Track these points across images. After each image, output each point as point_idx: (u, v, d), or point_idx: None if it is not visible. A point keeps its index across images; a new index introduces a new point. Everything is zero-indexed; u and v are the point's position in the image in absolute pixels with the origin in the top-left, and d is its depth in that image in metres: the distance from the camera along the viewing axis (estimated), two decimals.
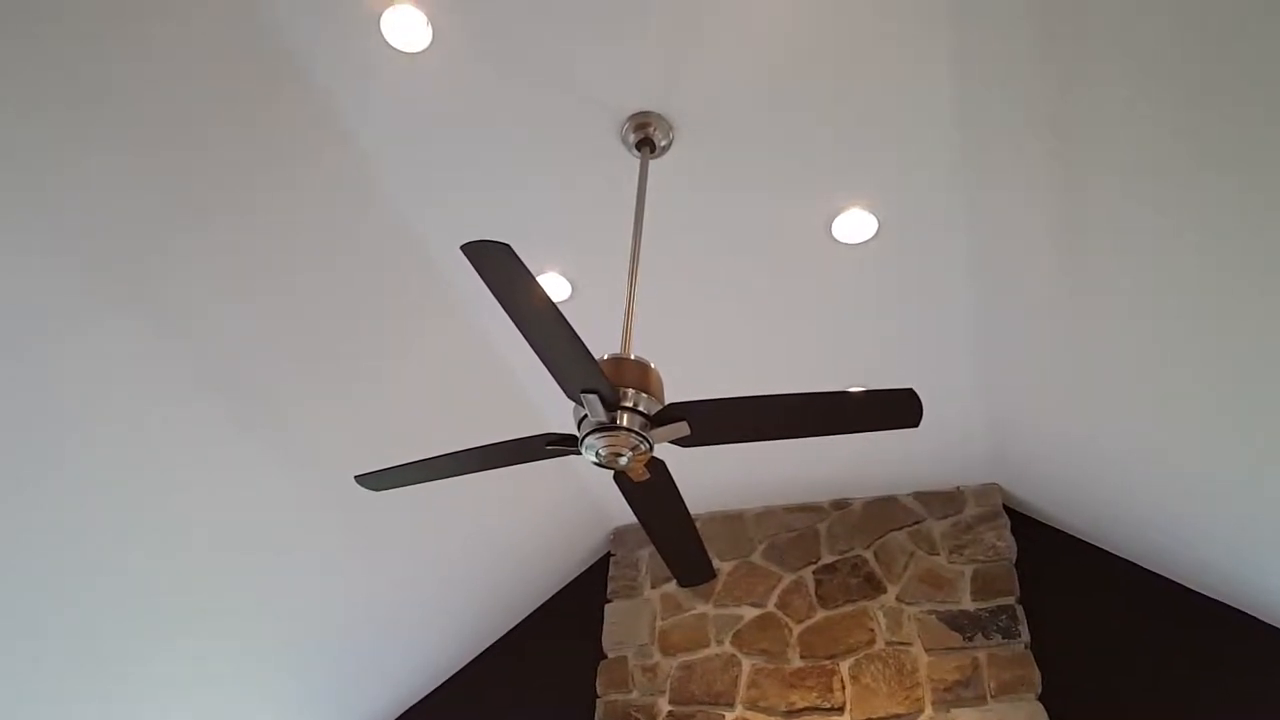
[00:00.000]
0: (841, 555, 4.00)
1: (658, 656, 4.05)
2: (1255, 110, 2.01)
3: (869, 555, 3.95)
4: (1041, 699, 3.42)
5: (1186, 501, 3.19)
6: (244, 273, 2.73)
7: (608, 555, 4.48)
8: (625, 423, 1.94)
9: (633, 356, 2.02)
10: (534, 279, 1.67)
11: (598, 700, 4.05)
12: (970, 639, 3.60)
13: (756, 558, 4.13)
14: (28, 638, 2.96)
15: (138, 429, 2.82)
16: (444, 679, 4.50)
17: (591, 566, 4.58)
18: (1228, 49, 1.95)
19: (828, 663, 3.75)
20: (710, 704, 3.84)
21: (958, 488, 3.97)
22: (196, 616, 3.35)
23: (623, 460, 1.98)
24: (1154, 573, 3.62)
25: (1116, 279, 2.63)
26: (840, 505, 4.13)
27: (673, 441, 2.02)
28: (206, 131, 2.43)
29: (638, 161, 2.54)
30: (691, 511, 2.36)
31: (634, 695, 4.00)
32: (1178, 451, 3.04)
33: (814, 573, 3.99)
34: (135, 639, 3.22)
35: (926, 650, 3.64)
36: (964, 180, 2.63)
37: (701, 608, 4.09)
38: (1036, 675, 3.46)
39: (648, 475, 2.12)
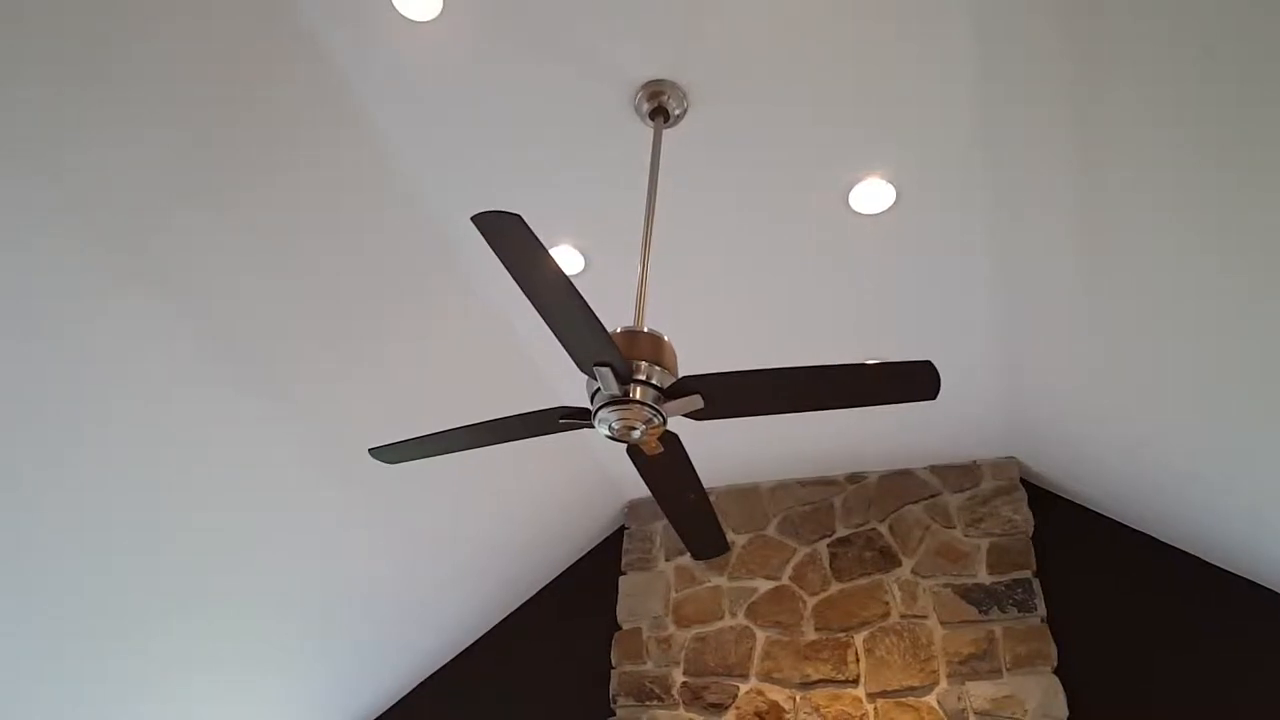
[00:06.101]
0: (856, 528, 3.99)
1: (672, 628, 4.06)
2: None
3: (884, 528, 3.94)
4: (1057, 672, 3.42)
5: (1205, 475, 3.16)
6: (259, 249, 2.72)
7: (622, 528, 4.50)
8: (638, 396, 1.92)
9: (646, 329, 2.00)
10: (545, 250, 1.64)
11: (613, 671, 4.07)
12: (986, 612, 3.59)
13: (771, 531, 4.13)
14: (40, 617, 2.99)
15: (154, 407, 2.83)
16: (460, 650, 4.54)
17: (606, 539, 4.59)
18: (1260, 27, 1.88)
19: (842, 635, 3.75)
20: (725, 675, 3.85)
21: (974, 461, 3.95)
22: (210, 597, 3.38)
23: (636, 434, 1.96)
24: (1171, 546, 3.59)
25: (1137, 252, 2.58)
26: (855, 479, 4.11)
27: (687, 415, 2.00)
28: (219, 107, 2.40)
29: (651, 131, 2.50)
30: (706, 485, 2.34)
31: (649, 666, 4.02)
32: (1196, 424, 2.99)
33: (829, 546, 3.99)
34: (156, 617, 3.26)
35: (942, 623, 3.64)
36: (984, 151, 2.58)
37: (716, 580, 4.10)
38: (1052, 649, 3.45)
39: (661, 449, 2.11)
